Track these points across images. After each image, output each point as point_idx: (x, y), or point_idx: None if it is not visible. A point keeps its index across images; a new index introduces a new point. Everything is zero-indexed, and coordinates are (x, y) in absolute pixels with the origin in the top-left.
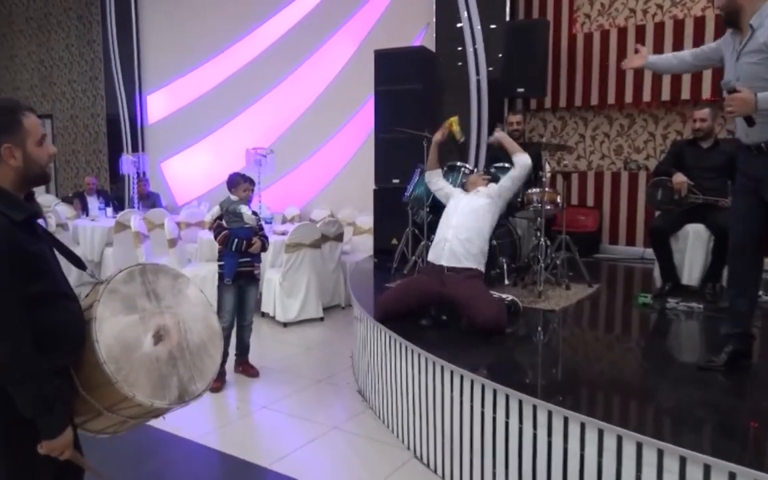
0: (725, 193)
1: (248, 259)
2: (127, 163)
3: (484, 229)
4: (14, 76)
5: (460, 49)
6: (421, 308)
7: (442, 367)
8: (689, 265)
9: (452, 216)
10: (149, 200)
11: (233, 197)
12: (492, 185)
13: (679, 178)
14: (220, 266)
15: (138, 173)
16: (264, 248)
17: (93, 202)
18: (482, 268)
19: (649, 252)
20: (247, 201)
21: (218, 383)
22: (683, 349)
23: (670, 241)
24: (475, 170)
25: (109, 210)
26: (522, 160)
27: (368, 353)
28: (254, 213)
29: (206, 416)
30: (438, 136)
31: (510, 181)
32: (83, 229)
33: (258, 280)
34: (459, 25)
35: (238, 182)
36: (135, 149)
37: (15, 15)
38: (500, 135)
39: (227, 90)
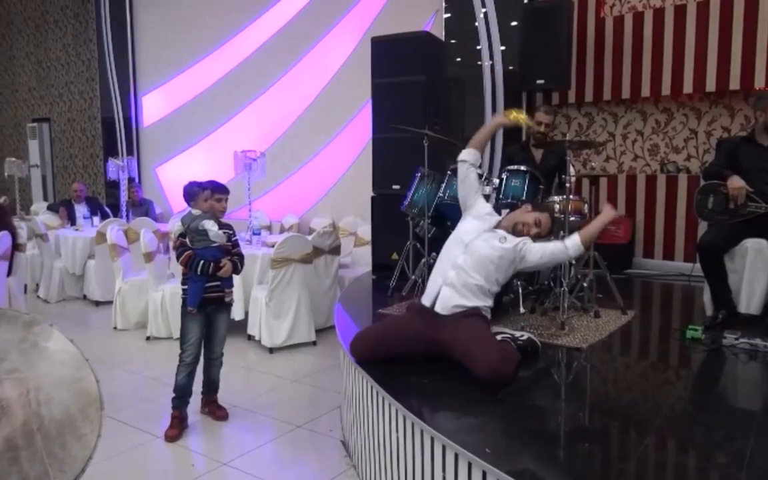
0: None
1: (217, 284)
2: (115, 167)
3: (496, 278)
4: (13, 79)
5: (472, 35)
6: (406, 355)
7: (432, 439)
8: (748, 289)
9: (459, 253)
10: (142, 208)
11: (195, 211)
12: (525, 243)
13: (736, 183)
14: (183, 291)
15: (127, 178)
16: (236, 270)
17: (81, 210)
18: (486, 313)
19: (698, 267)
20: (219, 214)
21: (175, 431)
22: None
23: (725, 260)
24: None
25: (96, 219)
26: (573, 248)
27: (349, 396)
28: (225, 227)
29: (151, 474)
30: (502, 119)
31: (539, 257)
32: (65, 240)
33: (230, 306)
34: (475, 23)
35: (197, 193)
36: (130, 153)
37: (13, 14)
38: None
39: (224, 89)
